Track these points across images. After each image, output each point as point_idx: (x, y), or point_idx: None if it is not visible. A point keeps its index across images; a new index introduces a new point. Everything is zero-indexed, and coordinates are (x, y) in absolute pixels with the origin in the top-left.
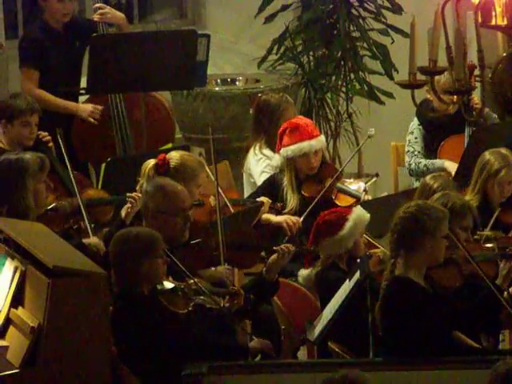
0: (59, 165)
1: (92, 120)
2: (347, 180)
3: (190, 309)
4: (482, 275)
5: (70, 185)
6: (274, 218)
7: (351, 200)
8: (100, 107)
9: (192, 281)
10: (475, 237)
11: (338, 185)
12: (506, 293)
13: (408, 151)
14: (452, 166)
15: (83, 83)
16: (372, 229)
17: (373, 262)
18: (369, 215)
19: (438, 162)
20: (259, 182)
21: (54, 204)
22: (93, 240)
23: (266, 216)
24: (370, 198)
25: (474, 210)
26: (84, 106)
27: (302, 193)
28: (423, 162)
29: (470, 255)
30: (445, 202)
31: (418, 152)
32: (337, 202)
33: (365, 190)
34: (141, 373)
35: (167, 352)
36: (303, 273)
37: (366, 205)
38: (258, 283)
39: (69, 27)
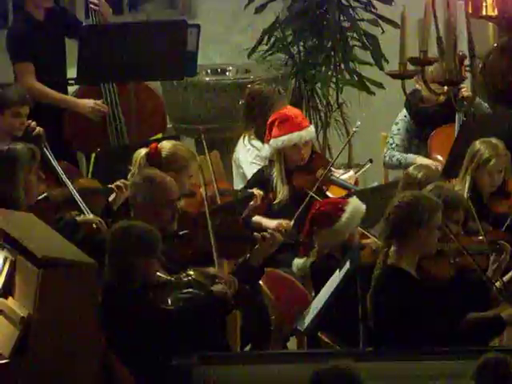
0: (49, 154)
1: (93, 117)
2: (337, 170)
3: (180, 304)
4: (476, 267)
5: (61, 174)
6: (265, 223)
7: (343, 192)
8: (102, 104)
9: (184, 273)
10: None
11: (331, 177)
12: (498, 283)
13: (387, 142)
14: (424, 162)
15: (70, 73)
16: (363, 219)
17: (366, 253)
18: (365, 206)
19: (410, 157)
20: (249, 174)
21: (45, 194)
22: (90, 217)
23: (257, 219)
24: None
25: (466, 204)
26: (84, 102)
27: (293, 183)
28: (397, 155)
29: (463, 247)
30: (437, 194)
31: (396, 145)
32: (328, 194)
33: (356, 182)
34: (130, 362)
35: (154, 346)
36: (298, 262)
37: (357, 195)
38: (242, 268)
39: (50, 17)
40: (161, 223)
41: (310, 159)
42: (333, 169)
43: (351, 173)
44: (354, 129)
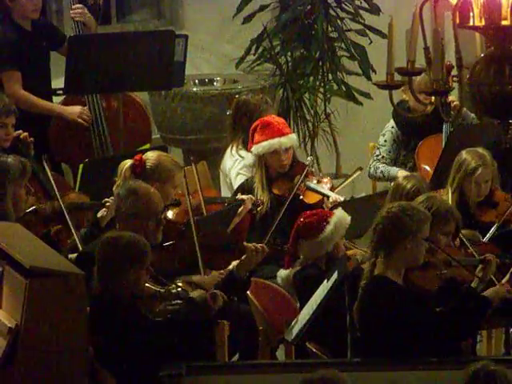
0: (39, 167)
1: (82, 121)
2: (315, 177)
3: (168, 316)
4: (472, 274)
5: (50, 188)
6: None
7: (318, 197)
8: (88, 111)
9: (172, 285)
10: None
11: (307, 183)
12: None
13: (374, 153)
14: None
15: (56, 84)
16: (349, 229)
17: (351, 264)
18: (349, 218)
19: (392, 171)
20: (235, 184)
21: (33, 207)
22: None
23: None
24: (336, 195)
25: (457, 216)
26: (71, 109)
27: (273, 191)
28: (381, 167)
29: (452, 258)
30: (429, 206)
31: (382, 157)
32: (304, 200)
33: (331, 187)
34: (117, 373)
35: (142, 357)
36: (282, 273)
37: (343, 205)
38: (228, 280)
39: (36, 27)
40: (145, 235)
41: (291, 167)
42: (318, 177)
43: (325, 180)
44: (307, 162)
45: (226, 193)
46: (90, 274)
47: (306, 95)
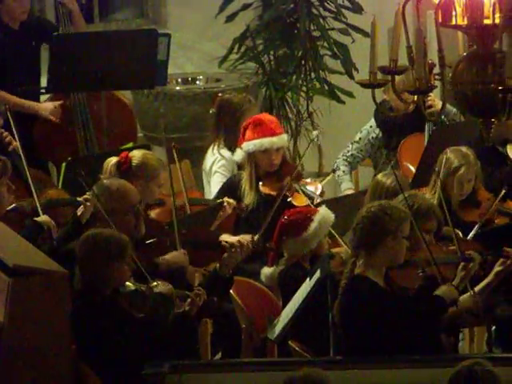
0: (21, 163)
1: (53, 118)
2: (306, 180)
3: (150, 313)
4: (440, 278)
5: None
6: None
7: (307, 200)
8: (58, 102)
9: (154, 283)
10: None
11: (296, 185)
12: (469, 292)
13: (347, 147)
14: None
15: (43, 82)
16: (333, 228)
17: (335, 263)
18: (333, 215)
19: (344, 184)
20: (213, 183)
21: (14, 204)
22: (44, 218)
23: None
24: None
25: (439, 213)
26: (44, 105)
27: (260, 189)
28: (341, 170)
29: (432, 257)
30: (410, 204)
31: (351, 155)
32: (292, 201)
33: (321, 193)
34: (101, 371)
35: (125, 354)
36: (266, 271)
37: (326, 203)
38: (211, 278)
39: (25, 26)
40: (127, 230)
41: (280, 167)
42: (304, 181)
43: (319, 185)
44: (315, 135)
45: (208, 192)
46: (72, 272)
47: (289, 94)
